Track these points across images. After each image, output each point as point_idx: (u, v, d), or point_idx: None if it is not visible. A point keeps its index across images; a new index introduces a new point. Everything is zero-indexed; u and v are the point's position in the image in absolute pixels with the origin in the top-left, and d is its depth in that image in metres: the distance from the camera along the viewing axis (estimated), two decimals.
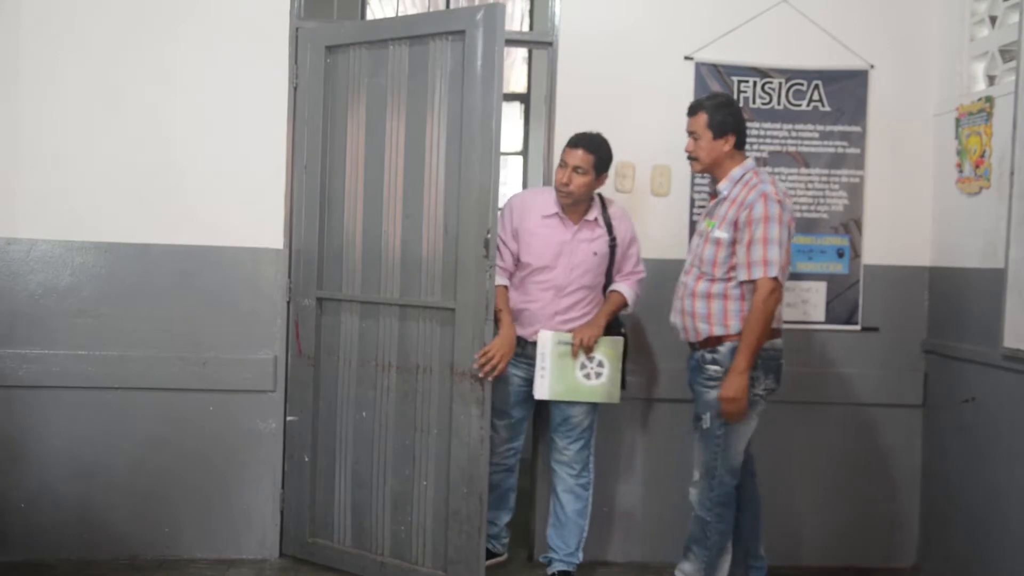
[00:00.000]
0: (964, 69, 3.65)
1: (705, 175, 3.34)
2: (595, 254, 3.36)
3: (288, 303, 3.63)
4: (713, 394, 3.02)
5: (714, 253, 3.05)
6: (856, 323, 3.81)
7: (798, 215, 3.75)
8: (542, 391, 3.33)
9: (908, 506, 3.85)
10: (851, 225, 3.80)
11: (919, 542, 3.84)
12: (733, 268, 3.03)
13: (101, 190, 3.55)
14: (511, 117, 6.97)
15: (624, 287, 3.43)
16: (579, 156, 3.28)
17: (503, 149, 6.68)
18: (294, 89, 3.61)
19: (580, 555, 3.49)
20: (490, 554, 3.49)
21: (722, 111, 3.10)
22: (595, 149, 3.30)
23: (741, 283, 3.01)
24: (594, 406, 3.43)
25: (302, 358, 3.60)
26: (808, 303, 3.78)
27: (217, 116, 3.59)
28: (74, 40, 3.53)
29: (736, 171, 3.09)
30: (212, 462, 3.64)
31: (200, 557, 3.64)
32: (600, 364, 3.35)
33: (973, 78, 3.63)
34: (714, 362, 3.04)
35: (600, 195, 3.45)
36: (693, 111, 3.14)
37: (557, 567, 3.47)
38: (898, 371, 3.82)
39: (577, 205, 3.36)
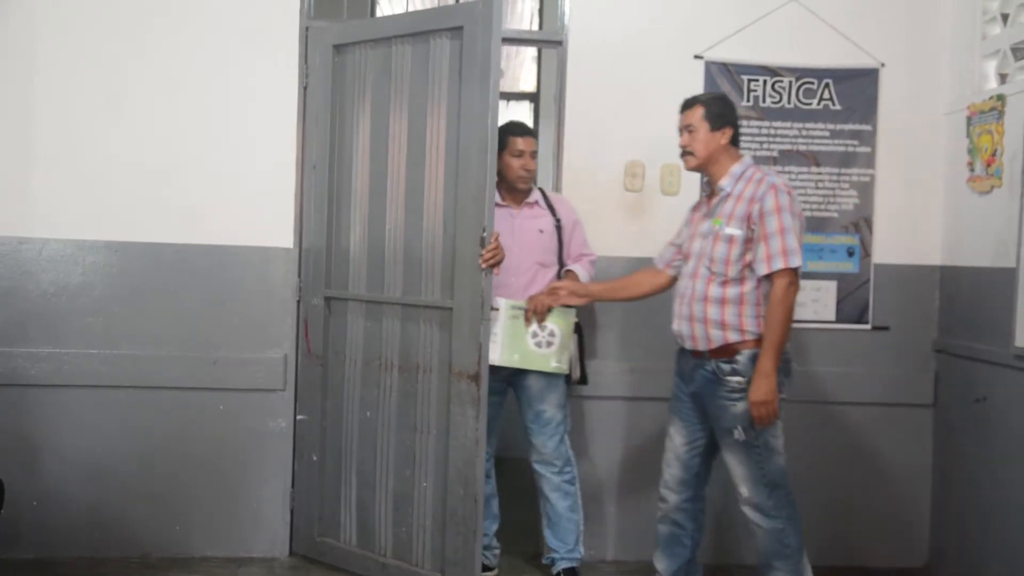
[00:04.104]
0: (975, 67, 3.64)
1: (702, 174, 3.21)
2: (541, 231, 3.47)
3: (298, 302, 3.65)
4: (741, 406, 2.88)
5: (727, 251, 2.92)
6: (867, 322, 3.80)
7: (808, 214, 3.75)
8: (494, 355, 3.32)
9: (919, 506, 3.84)
10: (861, 224, 3.79)
11: (930, 542, 3.83)
12: (748, 266, 2.91)
13: (112, 190, 3.57)
14: (520, 116, 6.96)
15: (577, 267, 3.51)
16: (530, 142, 3.47)
17: None
18: (303, 89, 3.62)
19: (581, 548, 3.50)
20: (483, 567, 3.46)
21: (719, 104, 3.05)
22: (535, 133, 3.53)
23: (760, 279, 2.89)
24: (564, 401, 3.46)
25: (311, 357, 3.61)
26: (818, 302, 3.78)
27: (229, 116, 3.61)
28: (86, 42, 3.55)
29: (736, 168, 3.00)
30: (223, 460, 3.65)
31: (211, 555, 3.65)
32: (552, 334, 3.37)
33: (984, 76, 3.62)
34: (734, 373, 2.90)
35: (540, 189, 3.58)
36: (688, 105, 3.07)
37: (561, 565, 3.49)
38: (909, 371, 3.81)
39: (525, 190, 3.50)
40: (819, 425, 3.79)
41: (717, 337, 2.93)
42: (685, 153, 3.07)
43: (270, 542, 3.68)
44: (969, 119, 3.57)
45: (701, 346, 2.98)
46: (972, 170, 3.56)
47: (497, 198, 3.39)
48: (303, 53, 3.62)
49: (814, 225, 3.77)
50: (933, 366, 3.81)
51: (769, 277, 2.87)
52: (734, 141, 3.06)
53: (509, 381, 3.45)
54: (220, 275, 3.62)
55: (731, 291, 2.92)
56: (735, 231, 2.91)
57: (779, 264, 2.84)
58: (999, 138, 3.38)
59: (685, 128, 3.05)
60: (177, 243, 3.60)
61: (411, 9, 5.45)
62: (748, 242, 2.90)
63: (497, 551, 3.61)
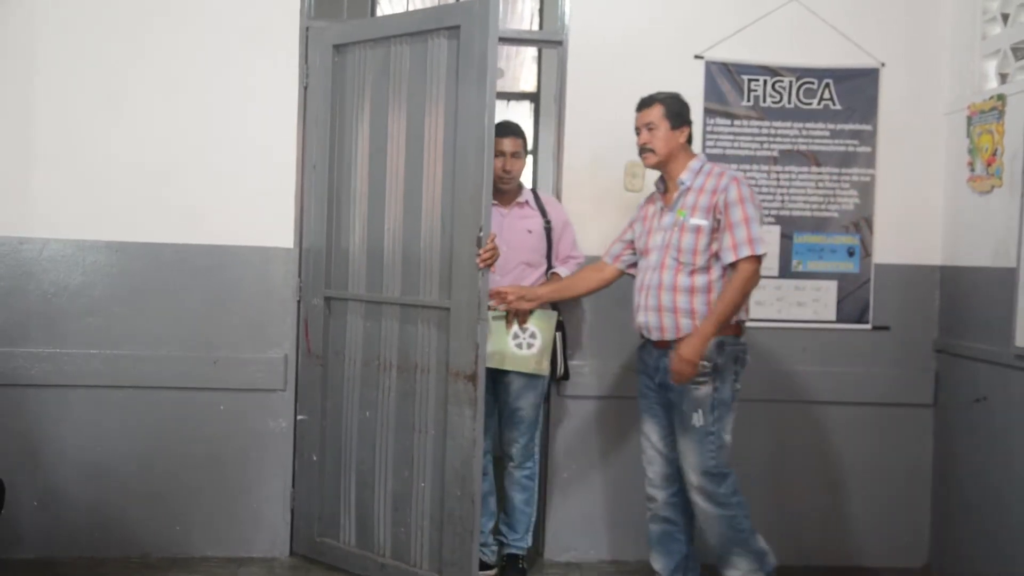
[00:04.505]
0: (976, 67, 3.64)
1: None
2: (529, 232, 3.52)
3: (298, 302, 3.64)
4: (704, 390, 2.98)
5: (694, 241, 3.01)
6: (867, 322, 3.79)
7: (808, 214, 3.77)
8: None
9: (919, 506, 3.83)
10: (862, 224, 3.79)
11: (930, 542, 3.83)
12: (714, 256, 3.01)
13: (113, 190, 3.57)
14: (521, 116, 6.96)
15: (562, 269, 3.56)
16: (514, 143, 3.50)
17: None
18: (304, 88, 3.62)
19: (529, 539, 3.61)
20: (481, 564, 3.48)
21: (678, 103, 3.13)
22: (521, 133, 3.56)
23: (725, 267, 2.99)
24: (539, 401, 3.52)
25: (311, 357, 3.60)
26: (818, 302, 3.77)
27: (229, 116, 3.61)
28: (86, 42, 3.55)
29: (695, 163, 3.11)
30: (223, 460, 3.65)
31: (211, 555, 3.65)
32: (532, 335, 3.43)
33: (984, 76, 3.61)
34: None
35: (533, 190, 3.64)
36: (647, 104, 3.14)
37: (507, 551, 3.59)
38: (909, 370, 3.81)
39: (510, 190, 3.54)
40: (819, 425, 3.79)
41: (686, 326, 3.02)
42: (644, 151, 3.14)
43: (270, 542, 3.68)
44: (969, 119, 3.57)
45: (669, 335, 3.06)
46: (972, 170, 3.56)
47: None
48: (303, 53, 3.62)
49: (814, 225, 3.77)
50: (933, 366, 3.81)
51: (734, 265, 2.97)
52: (689, 141, 3.16)
53: (493, 377, 3.45)
54: (220, 275, 3.62)
55: (699, 280, 3.02)
56: (701, 221, 3.02)
57: (745, 252, 2.95)
58: (999, 138, 3.38)
59: (645, 126, 3.13)
60: (177, 243, 3.60)
61: (411, 9, 5.45)
62: (714, 231, 3.01)
63: (495, 547, 3.62)
